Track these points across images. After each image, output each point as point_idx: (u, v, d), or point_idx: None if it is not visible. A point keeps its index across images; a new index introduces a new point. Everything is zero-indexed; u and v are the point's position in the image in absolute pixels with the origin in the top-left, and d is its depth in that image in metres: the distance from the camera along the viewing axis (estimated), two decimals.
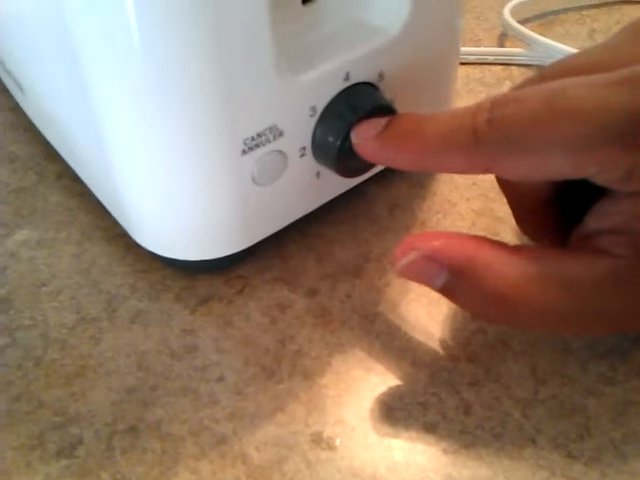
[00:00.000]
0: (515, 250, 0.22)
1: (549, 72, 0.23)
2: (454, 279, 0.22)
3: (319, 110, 0.26)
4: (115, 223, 0.29)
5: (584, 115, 0.19)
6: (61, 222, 0.30)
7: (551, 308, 0.21)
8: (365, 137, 0.24)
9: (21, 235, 0.30)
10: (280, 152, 0.26)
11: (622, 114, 0.19)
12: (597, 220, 0.22)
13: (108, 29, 0.21)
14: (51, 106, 0.30)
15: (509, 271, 0.21)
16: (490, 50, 0.39)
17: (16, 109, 0.35)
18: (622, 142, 0.19)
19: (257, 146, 0.25)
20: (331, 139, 0.26)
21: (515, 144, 0.20)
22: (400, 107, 0.27)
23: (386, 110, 0.27)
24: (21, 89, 0.32)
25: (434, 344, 0.26)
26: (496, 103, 0.21)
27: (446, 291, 0.23)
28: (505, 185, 0.26)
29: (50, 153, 0.33)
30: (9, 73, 0.33)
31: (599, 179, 0.20)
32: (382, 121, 0.24)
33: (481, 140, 0.21)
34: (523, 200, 0.25)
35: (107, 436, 0.23)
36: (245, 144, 0.24)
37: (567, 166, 0.20)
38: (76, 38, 0.22)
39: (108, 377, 0.25)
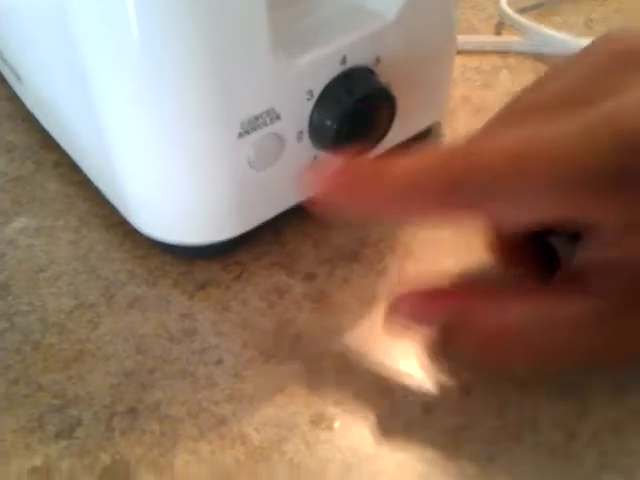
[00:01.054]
0: (502, 295, 0.23)
1: (514, 108, 0.24)
2: (446, 334, 0.23)
3: (316, 94, 0.26)
4: (113, 211, 0.29)
5: (560, 160, 0.19)
6: (59, 210, 0.30)
7: (541, 348, 0.22)
8: (320, 181, 0.22)
9: (19, 223, 0.30)
10: (277, 135, 0.26)
11: (596, 159, 0.19)
12: (581, 259, 0.22)
13: (105, 15, 0.22)
14: (49, 95, 0.30)
15: (499, 319, 0.22)
16: (487, 39, 0.39)
17: (13, 99, 0.35)
18: (602, 186, 0.19)
19: (254, 129, 0.25)
20: (328, 123, 0.26)
21: (489, 193, 0.20)
22: (396, 92, 0.27)
23: (383, 94, 0.27)
24: (19, 78, 0.32)
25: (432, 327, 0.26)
26: (470, 152, 0.21)
27: (438, 344, 0.24)
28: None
29: (47, 142, 0.33)
30: (6, 62, 0.33)
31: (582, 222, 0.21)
32: (333, 164, 0.22)
33: (454, 188, 0.20)
34: (503, 234, 0.25)
35: (106, 417, 0.23)
36: (242, 127, 0.24)
37: (543, 211, 0.20)
38: (74, 25, 0.22)
39: (106, 360, 0.25)
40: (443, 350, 0.24)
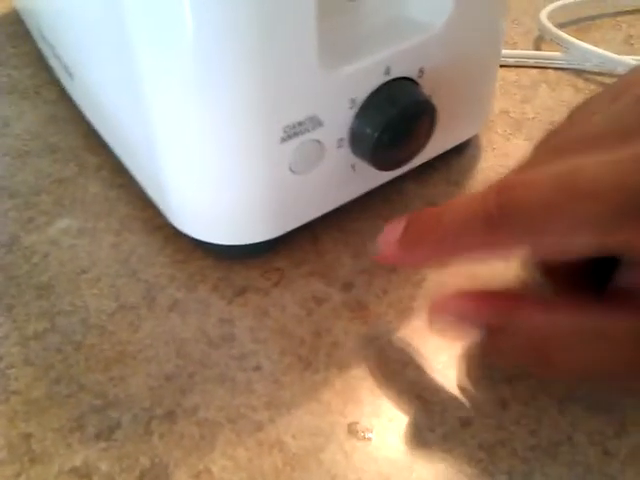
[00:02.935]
0: (551, 304, 0.22)
1: (551, 143, 0.23)
2: (492, 334, 0.23)
3: (358, 102, 0.26)
4: (154, 215, 0.30)
5: (600, 195, 0.19)
6: (101, 212, 0.31)
7: (586, 358, 0.21)
8: (387, 245, 0.24)
9: (62, 223, 0.30)
10: (318, 142, 0.26)
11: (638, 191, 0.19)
12: (628, 276, 0.22)
13: (161, 18, 0.22)
14: (99, 92, 0.30)
15: (548, 323, 0.22)
16: (526, 53, 0.39)
17: (57, 101, 0.36)
18: None
19: (296, 134, 0.25)
20: (369, 131, 0.26)
21: (528, 228, 0.20)
22: (438, 103, 0.27)
23: (424, 106, 0.27)
24: (70, 75, 0.33)
25: (469, 338, 0.26)
26: (504, 188, 0.21)
27: (483, 347, 0.23)
28: None
29: (91, 145, 0.33)
30: (59, 58, 0.34)
31: (628, 253, 0.20)
32: (399, 225, 0.24)
33: (493, 226, 0.21)
34: (551, 261, 0.25)
35: (145, 420, 0.23)
36: (285, 132, 0.25)
37: (587, 245, 0.20)
38: (128, 25, 0.23)
39: (146, 363, 0.25)
40: (488, 350, 0.24)
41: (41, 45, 0.38)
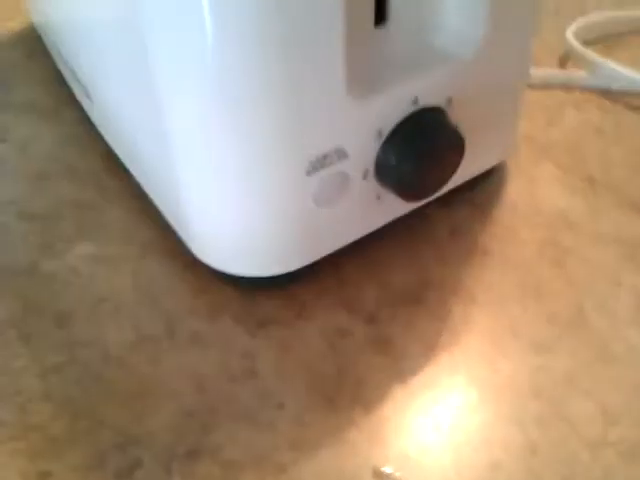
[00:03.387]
0: None
1: None
2: None
3: (385, 133, 0.25)
4: (175, 241, 0.29)
5: None
6: (121, 238, 0.30)
7: None
8: None
9: (81, 249, 0.30)
10: (343, 173, 0.25)
11: None
12: None
13: (184, 43, 0.21)
14: (119, 116, 0.30)
15: None
16: (551, 72, 0.39)
17: (76, 122, 0.35)
18: None
19: (322, 167, 0.24)
20: (395, 162, 0.25)
21: None
22: (465, 131, 0.26)
23: (453, 136, 0.26)
24: (89, 97, 0.33)
25: (498, 377, 0.25)
26: None
27: None
28: None
29: (110, 167, 0.33)
30: (78, 80, 0.33)
31: None
32: None
33: None
34: None
35: (166, 459, 0.23)
36: (310, 165, 0.24)
37: None
38: (150, 52, 0.22)
39: (167, 398, 0.25)
40: None
41: (59, 63, 0.37)
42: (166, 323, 0.27)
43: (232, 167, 0.24)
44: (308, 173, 0.24)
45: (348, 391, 0.25)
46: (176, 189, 0.26)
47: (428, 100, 0.26)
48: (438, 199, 0.30)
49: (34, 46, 0.40)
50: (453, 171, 0.27)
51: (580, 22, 0.40)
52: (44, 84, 0.38)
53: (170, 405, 0.24)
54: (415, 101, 0.25)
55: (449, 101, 0.26)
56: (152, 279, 0.29)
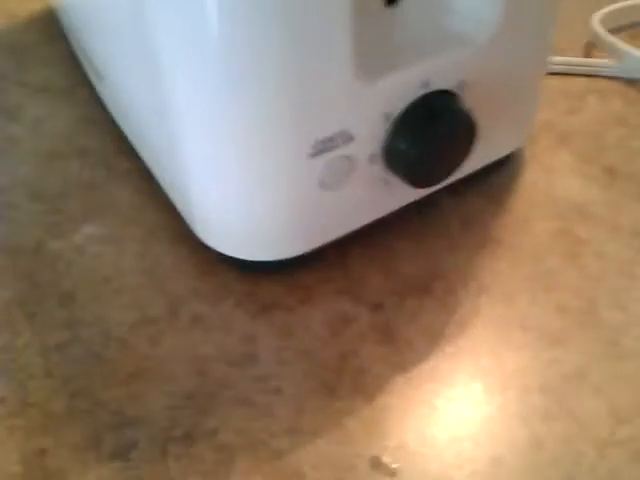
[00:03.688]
0: None
1: None
2: None
3: (393, 117, 0.25)
4: (181, 223, 0.29)
5: None
6: (128, 219, 0.30)
7: None
8: None
9: (88, 230, 0.30)
10: (349, 157, 0.25)
11: None
12: None
13: (189, 25, 0.21)
14: (127, 97, 0.30)
15: None
16: (575, 60, 0.37)
17: (90, 103, 0.35)
18: None
19: (326, 150, 0.24)
20: (403, 147, 0.25)
21: None
22: (480, 116, 0.26)
23: (464, 121, 0.25)
24: (101, 78, 0.33)
25: (505, 371, 0.24)
26: None
27: None
28: None
29: (120, 149, 0.33)
30: (92, 62, 0.33)
31: None
32: None
33: None
34: None
35: (162, 441, 0.23)
36: (314, 147, 0.23)
37: None
38: (156, 32, 0.22)
39: (166, 380, 0.24)
40: None
41: (74, 44, 0.37)
42: (169, 305, 0.27)
43: (234, 148, 0.24)
44: (313, 156, 0.24)
45: (349, 379, 0.24)
46: (181, 172, 0.26)
47: (439, 83, 0.25)
48: (451, 188, 0.29)
49: (51, 28, 0.40)
50: (464, 158, 0.27)
51: (606, 9, 0.39)
52: (60, 65, 0.38)
53: (169, 387, 0.24)
54: (425, 84, 0.25)
55: (462, 85, 0.25)
56: (157, 261, 0.28)
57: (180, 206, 0.29)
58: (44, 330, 0.26)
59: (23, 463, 0.22)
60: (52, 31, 0.40)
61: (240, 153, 0.24)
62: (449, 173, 0.27)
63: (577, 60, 0.38)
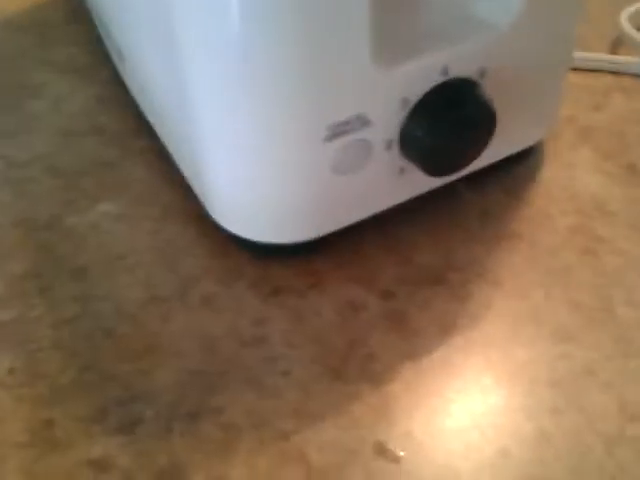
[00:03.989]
0: None
1: None
2: None
3: (411, 103, 0.24)
4: (196, 204, 0.29)
5: None
6: (142, 198, 0.30)
7: None
8: None
9: (103, 207, 0.30)
10: (365, 142, 0.24)
11: None
12: None
13: (209, 8, 0.21)
14: (147, 77, 0.30)
15: None
16: (601, 56, 0.37)
17: (110, 82, 0.36)
18: None
19: (342, 133, 0.24)
20: (420, 134, 0.25)
21: None
22: (500, 108, 0.25)
23: (483, 110, 0.25)
24: (122, 57, 0.33)
25: (513, 364, 0.24)
26: None
27: None
28: None
29: (138, 128, 0.33)
30: (112, 40, 0.33)
31: None
32: None
33: None
34: None
35: (168, 417, 0.23)
36: (329, 130, 0.23)
37: None
38: (175, 15, 0.22)
39: (175, 357, 0.24)
40: None
41: (97, 24, 0.37)
42: (180, 284, 0.27)
43: (251, 130, 0.24)
44: (328, 138, 0.24)
45: (357, 365, 0.24)
46: (197, 153, 0.26)
47: (459, 70, 0.25)
48: (470, 180, 0.29)
49: (76, 8, 0.40)
50: (482, 148, 0.26)
51: (635, 6, 0.38)
52: (83, 45, 0.38)
53: (176, 364, 0.24)
54: (445, 71, 0.24)
55: (482, 73, 0.25)
56: (170, 240, 0.28)
57: (195, 186, 0.29)
58: (56, 304, 0.26)
59: (30, 432, 0.23)
60: (77, 11, 0.40)
61: (255, 134, 0.24)
62: (466, 163, 0.26)
63: (603, 56, 0.37)
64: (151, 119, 0.32)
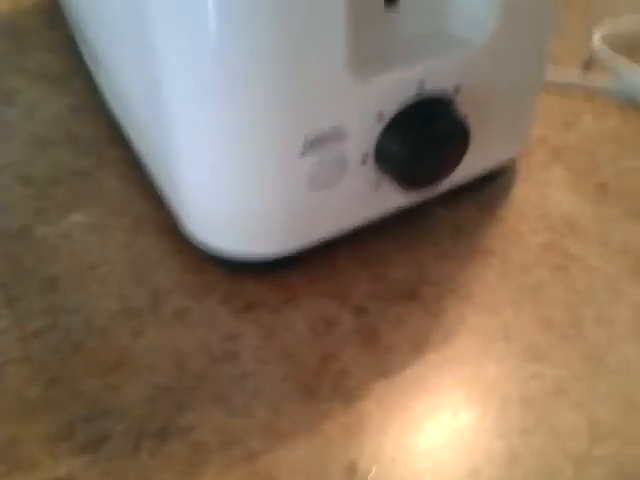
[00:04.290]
0: None
1: None
2: None
3: (387, 117, 0.24)
4: (169, 216, 0.29)
5: None
6: (115, 208, 0.30)
7: None
8: None
9: (75, 217, 0.29)
10: (340, 156, 0.24)
11: None
12: None
13: (183, 14, 0.21)
14: (124, 85, 0.29)
15: None
16: (573, 77, 0.37)
17: (85, 90, 0.35)
18: None
19: (318, 147, 0.24)
20: (396, 149, 0.25)
21: None
22: (473, 123, 0.26)
23: (458, 127, 0.25)
24: (98, 64, 0.32)
25: (485, 382, 0.24)
26: None
27: None
28: None
29: (112, 138, 0.32)
30: (88, 47, 0.33)
31: None
32: None
33: None
34: None
35: (136, 435, 0.22)
36: (305, 144, 0.23)
37: None
38: (152, 26, 0.22)
39: (145, 373, 0.24)
40: None
41: (74, 30, 0.37)
42: (152, 297, 0.26)
43: (224, 143, 0.23)
44: (303, 152, 0.24)
45: (329, 382, 0.24)
46: (171, 164, 0.26)
47: (434, 85, 0.25)
48: (443, 197, 0.29)
49: (53, 13, 0.40)
50: (456, 163, 0.26)
51: (610, 24, 0.39)
52: (58, 51, 0.38)
53: (146, 380, 0.24)
54: (420, 86, 0.24)
55: (457, 89, 0.25)
56: (142, 252, 0.28)
57: (169, 197, 0.28)
58: (25, 315, 0.26)
59: None
60: (54, 16, 0.40)
61: (231, 148, 0.24)
62: (441, 178, 0.27)
63: (575, 77, 0.38)
64: (126, 128, 0.32)
